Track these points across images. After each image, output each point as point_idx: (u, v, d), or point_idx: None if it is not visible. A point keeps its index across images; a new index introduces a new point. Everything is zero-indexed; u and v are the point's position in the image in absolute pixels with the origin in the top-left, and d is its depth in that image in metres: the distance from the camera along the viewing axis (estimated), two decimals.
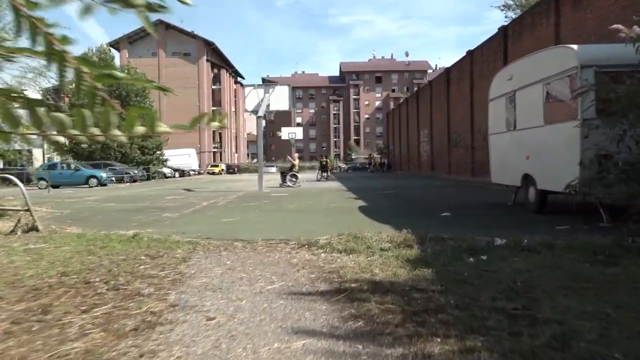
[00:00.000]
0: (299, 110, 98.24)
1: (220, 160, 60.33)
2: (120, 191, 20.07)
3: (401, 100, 51.15)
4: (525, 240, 4.80)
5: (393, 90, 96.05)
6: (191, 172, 45.33)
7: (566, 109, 7.15)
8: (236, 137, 71.03)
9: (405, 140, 39.56)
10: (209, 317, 2.96)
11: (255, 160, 50.29)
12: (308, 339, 2.56)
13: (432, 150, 30.33)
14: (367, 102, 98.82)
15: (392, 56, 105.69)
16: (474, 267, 4.00)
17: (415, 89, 53.02)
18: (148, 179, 33.34)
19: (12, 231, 6.64)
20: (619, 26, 4.94)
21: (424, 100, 32.63)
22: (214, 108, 61.18)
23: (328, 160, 29.49)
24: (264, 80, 78.39)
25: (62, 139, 1.19)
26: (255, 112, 17.74)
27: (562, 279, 3.48)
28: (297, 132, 29.99)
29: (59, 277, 4.05)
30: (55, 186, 23.86)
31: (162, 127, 1.24)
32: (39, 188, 23.11)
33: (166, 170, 38.84)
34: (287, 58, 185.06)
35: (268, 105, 17.80)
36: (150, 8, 1.09)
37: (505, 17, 33.20)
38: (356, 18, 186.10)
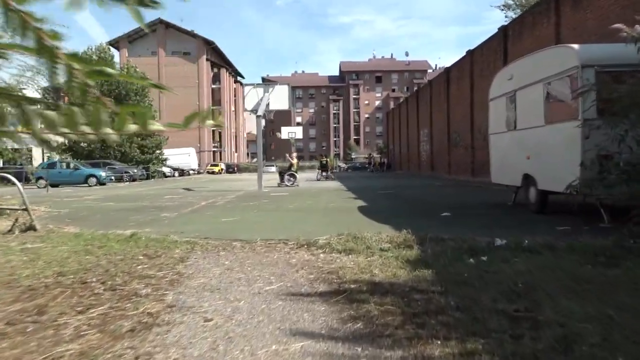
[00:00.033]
0: (299, 110, 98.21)
1: (220, 159, 60.29)
2: (119, 190, 20.03)
3: (401, 100, 51.13)
4: (526, 241, 4.76)
5: (393, 90, 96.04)
6: (191, 172, 45.29)
7: (567, 109, 7.11)
8: (236, 136, 71.01)
9: (405, 140, 39.53)
10: (207, 318, 2.92)
11: (255, 159, 50.22)
12: (306, 340, 2.52)
13: (432, 150, 30.29)
14: (367, 102, 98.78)
15: (392, 56, 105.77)
16: (474, 268, 3.96)
17: (415, 88, 52.98)
18: (147, 178, 33.29)
19: (9, 230, 6.60)
20: (620, 25, 4.90)
21: (424, 100, 32.59)
22: (214, 107, 61.13)
23: (328, 159, 29.43)
24: (263, 79, 78.38)
25: (52, 137, 1.16)
26: (254, 111, 17.70)
27: (563, 280, 3.44)
28: (296, 132, 29.98)
29: (56, 277, 4.01)
30: (54, 185, 23.83)
31: (155, 126, 1.20)
32: (38, 187, 23.07)
33: (166, 170, 38.79)
34: (287, 57, 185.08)
35: (268, 105, 17.76)
36: (142, 3, 1.05)
37: (506, 17, 33.20)
38: (356, 18, 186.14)
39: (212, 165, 52.04)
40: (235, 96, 68.37)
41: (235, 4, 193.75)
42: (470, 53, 22.84)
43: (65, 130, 1.15)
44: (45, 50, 1.13)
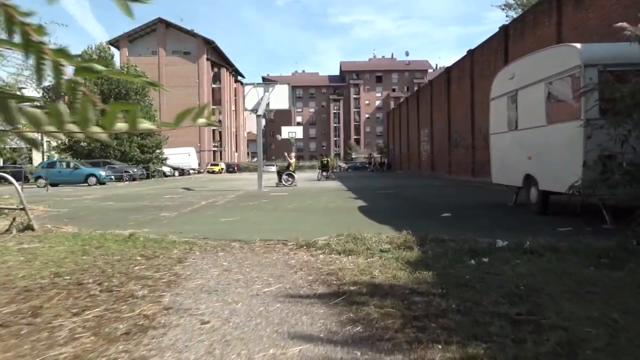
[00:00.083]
0: (299, 110, 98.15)
1: (220, 159, 60.25)
2: (119, 190, 19.99)
3: (401, 100, 51.07)
4: (528, 243, 4.70)
5: (393, 90, 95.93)
6: (191, 171, 45.26)
7: (569, 109, 7.06)
8: (236, 136, 70.96)
9: (406, 140, 39.47)
10: (204, 320, 2.88)
11: (255, 159, 50.19)
12: (305, 344, 2.47)
13: (432, 149, 30.24)
14: (367, 102, 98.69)
15: (392, 56, 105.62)
16: (475, 269, 3.91)
17: (416, 88, 52.93)
18: (147, 177, 33.25)
19: (7, 230, 6.56)
20: (624, 24, 4.85)
21: (424, 100, 32.54)
22: (214, 107, 61.07)
23: (329, 159, 29.37)
24: (264, 79, 78.31)
25: (37, 136, 1.11)
26: (254, 110, 17.66)
27: (566, 283, 3.39)
28: (297, 131, 29.93)
29: (52, 278, 3.96)
30: (54, 184, 23.80)
31: (146, 124, 1.15)
32: (38, 186, 23.03)
33: (166, 169, 38.74)
34: (287, 57, 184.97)
35: (268, 104, 17.72)
36: None
37: (506, 16, 33.12)
38: (356, 18, 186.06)
39: (212, 165, 52.01)
40: (235, 96, 68.33)
41: (235, 4, 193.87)
42: (470, 53, 22.78)
43: (51, 128, 1.11)
44: (32, 46, 1.09)
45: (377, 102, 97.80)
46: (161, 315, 2.97)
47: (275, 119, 79.96)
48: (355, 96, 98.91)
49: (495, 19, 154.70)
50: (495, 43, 19.71)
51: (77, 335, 2.63)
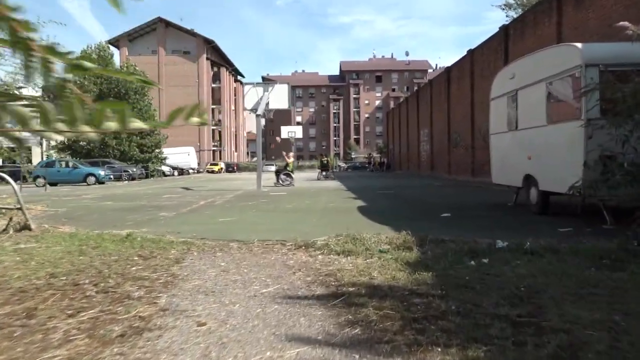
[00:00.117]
0: (299, 109, 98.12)
1: (220, 158, 60.20)
2: (117, 189, 19.95)
3: (401, 100, 51.02)
4: (528, 243, 4.67)
5: (393, 90, 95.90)
6: (190, 171, 45.22)
7: (570, 109, 7.02)
8: (236, 135, 70.92)
9: (405, 140, 39.44)
10: (200, 322, 2.84)
11: (254, 159, 50.16)
12: (302, 347, 2.44)
13: (432, 149, 30.20)
14: (367, 102, 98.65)
15: (392, 55, 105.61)
16: (475, 270, 3.88)
17: (416, 88, 52.89)
18: (147, 177, 33.21)
19: (4, 230, 6.51)
20: (626, 23, 4.81)
21: (424, 100, 32.50)
22: (214, 106, 61.05)
23: (328, 159, 29.33)
24: (263, 78, 78.25)
25: (23, 135, 1.08)
26: (254, 110, 17.62)
27: (567, 284, 3.35)
28: (296, 131, 29.90)
29: (48, 278, 3.92)
30: (52, 184, 23.74)
31: (136, 123, 1.12)
32: (37, 186, 22.99)
33: (165, 169, 38.70)
34: (287, 57, 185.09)
35: (267, 104, 17.68)
36: None
37: (507, 16, 33.09)
38: (356, 18, 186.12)
39: (211, 165, 51.96)
40: (235, 95, 68.28)
41: (235, 4, 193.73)
42: (470, 52, 22.74)
43: (38, 127, 1.07)
44: (20, 42, 1.05)
45: (377, 102, 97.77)
46: (157, 316, 2.94)
47: (275, 119, 79.95)
48: (355, 96, 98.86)
49: (495, 19, 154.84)
50: (495, 43, 19.67)
51: (71, 338, 2.59)
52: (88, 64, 1.14)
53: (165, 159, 39.24)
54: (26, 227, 6.59)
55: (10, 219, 6.71)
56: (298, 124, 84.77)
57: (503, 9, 33.79)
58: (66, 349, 2.44)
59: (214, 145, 61.42)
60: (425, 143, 32.09)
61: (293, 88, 23.00)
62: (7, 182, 7.49)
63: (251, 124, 75.78)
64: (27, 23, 1.04)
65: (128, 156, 33.30)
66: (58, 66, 1.08)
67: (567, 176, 6.38)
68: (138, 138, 33.35)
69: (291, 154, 21.80)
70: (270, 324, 2.80)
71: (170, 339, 2.56)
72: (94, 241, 5.65)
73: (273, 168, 47.54)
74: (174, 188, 20.00)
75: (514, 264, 4.02)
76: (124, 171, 29.26)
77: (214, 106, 61.15)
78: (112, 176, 27.47)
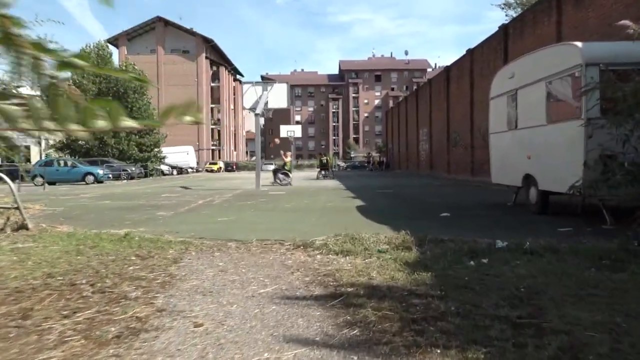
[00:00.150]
0: (298, 108, 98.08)
1: (219, 157, 60.11)
2: (116, 188, 19.90)
3: (400, 99, 50.97)
4: (528, 243, 4.64)
5: (392, 89, 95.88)
6: (189, 170, 45.14)
7: (570, 108, 7.00)
8: (235, 134, 70.84)
9: (404, 139, 39.41)
10: (197, 323, 2.81)
11: (254, 158, 50.11)
12: (300, 348, 2.41)
13: (431, 149, 30.19)
14: (366, 101, 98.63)
15: (391, 55, 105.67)
16: (475, 271, 3.85)
17: (415, 87, 52.84)
18: (145, 176, 33.13)
19: (1, 229, 6.48)
20: (627, 22, 4.79)
21: (423, 99, 32.47)
22: (213, 105, 60.97)
23: (327, 158, 29.29)
24: (263, 77, 78.11)
25: (9, 134, 1.05)
26: (253, 109, 17.57)
27: (567, 284, 3.33)
28: (295, 130, 29.87)
29: (44, 278, 3.89)
30: (51, 183, 23.68)
31: (127, 122, 1.09)
32: (35, 185, 22.94)
33: (164, 168, 38.61)
34: (286, 56, 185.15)
35: (266, 103, 17.63)
36: None
37: (506, 15, 33.06)
38: (355, 17, 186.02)
39: (210, 164, 51.87)
40: (234, 94, 68.17)
41: (235, 3, 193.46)
42: (470, 52, 22.71)
43: (27, 125, 1.04)
44: (9, 39, 1.02)
45: (376, 101, 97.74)
46: (154, 317, 2.91)
47: (274, 118, 79.91)
48: (354, 95, 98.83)
49: (495, 18, 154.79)
50: (495, 42, 19.64)
51: (66, 339, 2.56)
52: (79, 62, 1.11)
53: (164, 158, 39.13)
54: (23, 226, 6.55)
55: (8, 218, 6.68)
56: (297, 123, 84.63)
57: (503, 8, 33.76)
58: (61, 350, 2.41)
59: (213, 145, 61.33)
60: (424, 142, 32.07)
61: (292, 87, 22.97)
62: (3, 181, 7.45)
63: (250, 123, 75.73)
64: (16, 19, 1.01)
65: (127, 155, 33.20)
66: (48, 63, 1.05)
67: (567, 176, 6.35)
68: (137, 137, 33.25)
69: (289, 153, 21.78)
70: (268, 324, 2.78)
71: (167, 340, 2.53)
72: (92, 241, 5.62)
73: (272, 167, 47.57)
74: (172, 187, 19.96)
75: (514, 264, 4.00)
76: (123, 170, 29.18)
77: (213, 105, 61.06)
78: (110, 175, 27.39)
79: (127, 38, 58.36)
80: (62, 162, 26.81)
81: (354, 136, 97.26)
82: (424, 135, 31.97)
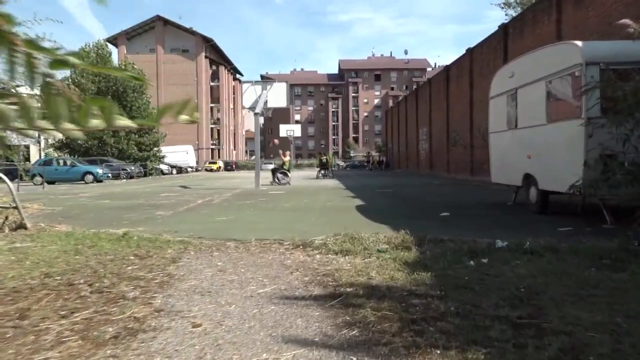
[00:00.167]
0: (298, 108, 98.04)
1: (219, 157, 60.07)
2: (115, 188, 19.87)
3: (400, 99, 50.95)
4: (528, 243, 4.63)
5: (392, 88, 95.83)
6: (189, 169, 45.11)
7: (570, 107, 6.98)
8: (234, 134, 70.79)
9: (404, 139, 39.40)
10: (195, 323, 2.79)
11: (253, 157, 50.15)
12: (299, 349, 2.39)
13: (430, 148, 30.17)
14: (366, 100, 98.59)
15: (391, 54, 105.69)
16: (474, 271, 3.84)
17: (415, 87, 52.81)
18: (145, 175, 33.09)
19: None
20: (627, 21, 4.77)
21: (423, 99, 32.45)
22: (212, 105, 60.92)
23: (327, 158, 29.27)
24: (262, 77, 78.08)
25: (3, 133, 1.03)
26: (252, 108, 17.55)
27: (568, 284, 3.32)
28: (295, 130, 29.86)
29: (42, 278, 3.88)
30: (50, 182, 23.65)
31: (123, 121, 1.07)
32: (35, 184, 22.91)
33: (163, 167, 38.57)
34: (286, 55, 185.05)
35: (266, 102, 17.61)
36: None
37: (506, 15, 33.03)
38: (355, 16, 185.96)
39: (210, 163, 51.84)
40: (233, 94, 68.12)
41: (234, 2, 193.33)
42: (470, 51, 22.69)
43: (19, 125, 1.03)
44: (1, 36, 1.00)
45: (376, 101, 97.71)
46: (152, 317, 2.89)
47: (274, 117, 79.90)
48: (354, 94, 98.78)
49: (494, 18, 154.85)
50: (495, 41, 19.62)
51: (64, 339, 2.54)
52: (73, 60, 1.09)
53: (163, 157, 39.08)
54: (22, 226, 6.54)
55: (6, 217, 6.66)
56: (297, 122, 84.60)
57: (502, 8, 33.73)
58: (58, 350, 2.40)
59: (212, 144, 61.30)
60: (424, 142, 32.05)
61: (292, 86, 22.98)
62: (2, 181, 7.43)
63: (250, 123, 75.77)
64: (9, 16, 1.00)
65: (126, 154, 33.15)
66: (42, 62, 1.04)
67: (567, 175, 6.34)
68: (136, 136, 33.20)
69: (288, 152, 21.76)
70: (266, 325, 2.76)
71: (164, 341, 2.52)
72: (90, 240, 5.60)
73: (271, 166, 47.57)
74: (172, 186, 19.94)
75: (514, 264, 3.99)
76: (122, 169, 29.13)
77: (212, 105, 61.02)
78: (110, 174, 27.35)
79: (126, 37, 58.29)
80: (61, 162, 26.77)
81: (354, 135, 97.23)
82: (424, 134, 31.95)
